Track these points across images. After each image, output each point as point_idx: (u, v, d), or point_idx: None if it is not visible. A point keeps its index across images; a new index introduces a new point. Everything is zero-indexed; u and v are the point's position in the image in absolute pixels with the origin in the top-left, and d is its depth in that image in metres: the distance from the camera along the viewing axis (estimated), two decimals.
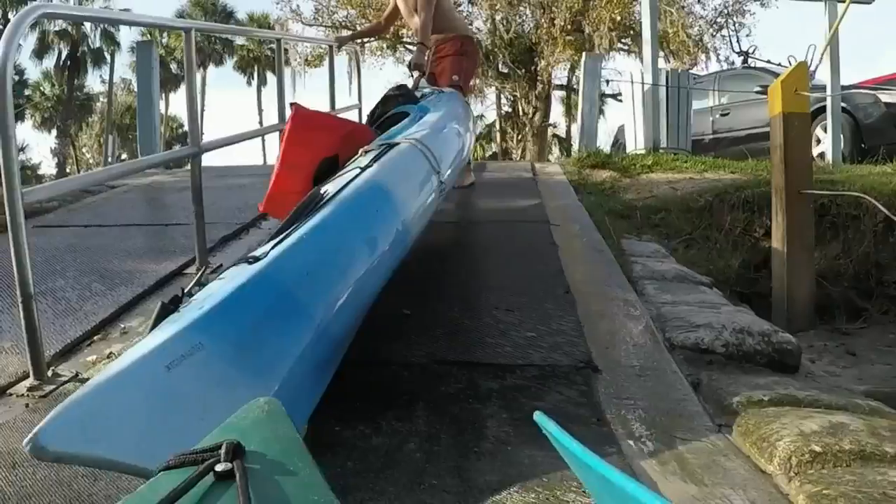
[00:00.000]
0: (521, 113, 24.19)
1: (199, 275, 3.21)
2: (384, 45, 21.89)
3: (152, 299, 4.69)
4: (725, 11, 21.26)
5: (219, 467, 0.84)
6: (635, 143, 11.01)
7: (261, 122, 43.91)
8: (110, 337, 4.13)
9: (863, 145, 10.85)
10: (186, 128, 5.44)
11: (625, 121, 11.67)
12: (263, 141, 37.47)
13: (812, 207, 6.44)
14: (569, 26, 20.95)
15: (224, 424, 0.94)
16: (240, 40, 47.82)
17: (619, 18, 20.34)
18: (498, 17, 22.24)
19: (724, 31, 21.42)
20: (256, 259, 2.33)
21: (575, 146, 11.79)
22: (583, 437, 2.86)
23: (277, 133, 6.87)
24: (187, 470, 0.85)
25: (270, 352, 2.19)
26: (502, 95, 25.19)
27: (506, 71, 23.45)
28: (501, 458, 2.76)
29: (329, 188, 2.95)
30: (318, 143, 3.94)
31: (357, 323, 2.70)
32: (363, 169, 3.03)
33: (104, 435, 1.75)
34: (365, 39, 19.42)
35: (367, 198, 2.93)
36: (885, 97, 11.24)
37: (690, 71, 14.36)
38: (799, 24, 51.38)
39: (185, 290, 2.72)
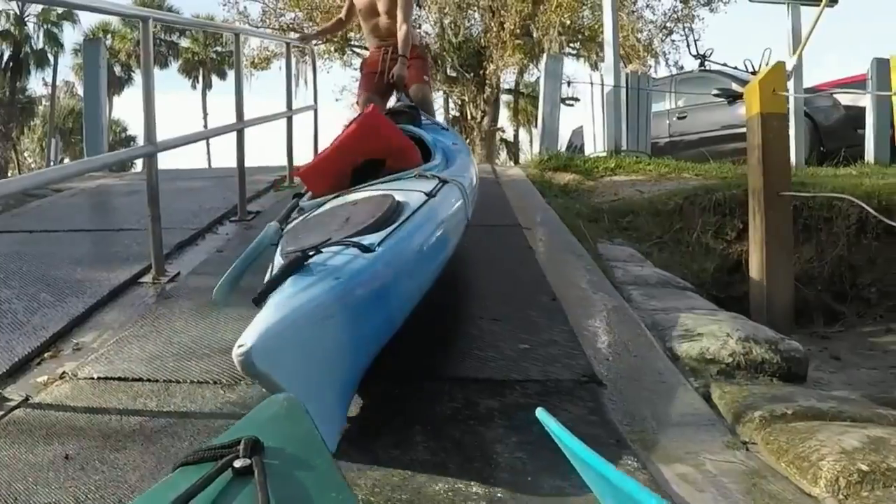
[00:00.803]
0: (469, 117, 23.98)
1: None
2: (332, 48, 21.57)
3: (107, 311, 4.39)
4: (675, 16, 21.34)
5: (237, 463, 0.82)
6: (594, 145, 10.86)
7: (205, 126, 43.14)
8: (62, 354, 3.78)
9: (822, 148, 10.82)
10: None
11: (583, 123, 11.53)
12: (208, 144, 36.84)
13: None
14: (518, 30, 20.83)
15: (242, 420, 0.94)
16: (185, 42, 47.05)
17: (568, 22, 20.27)
18: (446, 21, 22.05)
19: (674, 36, 21.55)
20: (366, 248, 2.67)
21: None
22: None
23: (235, 133, 6.55)
24: (206, 466, 0.84)
25: (371, 327, 2.67)
26: (450, 99, 24.99)
27: (454, 75, 23.25)
28: (523, 489, 2.49)
29: (402, 198, 3.32)
30: (377, 145, 4.20)
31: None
32: (428, 195, 3.43)
33: (283, 366, 2.16)
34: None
35: (441, 224, 3.45)
36: (843, 100, 11.24)
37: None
38: (748, 29, 51.93)
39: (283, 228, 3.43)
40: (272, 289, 2.41)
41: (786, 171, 6.22)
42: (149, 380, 3.37)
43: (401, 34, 6.49)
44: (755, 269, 6.17)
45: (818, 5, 8.91)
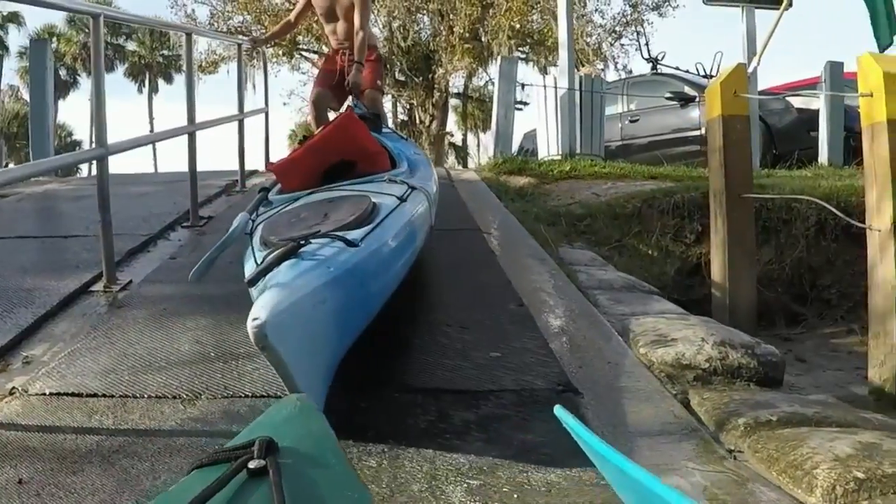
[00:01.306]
0: (417, 121, 23.89)
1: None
2: (280, 52, 21.32)
3: (57, 322, 4.21)
4: (624, 20, 21.42)
5: (252, 464, 0.82)
6: (548, 148, 10.79)
7: (151, 129, 42.47)
8: (11, 368, 3.58)
9: (774, 151, 10.86)
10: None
11: (536, 126, 11.48)
12: (154, 149, 36.28)
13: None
14: (467, 34, 20.76)
15: (256, 421, 0.94)
16: (131, 45, 46.34)
17: (517, 26, 20.24)
18: (395, 25, 21.92)
19: (623, 40, 21.62)
20: (350, 242, 2.92)
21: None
22: (598, 479, 2.53)
23: (186, 136, 6.37)
24: (221, 467, 0.84)
25: (354, 312, 2.97)
26: (398, 103, 24.86)
27: (403, 79, 23.15)
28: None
29: (377, 200, 3.53)
30: (352, 147, 4.40)
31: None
32: (400, 199, 3.65)
33: (288, 341, 2.40)
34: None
35: (411, 226, 3.73)
36: (796, 102, 11.30)
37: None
38: (699, 32, 52.47)
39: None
40: (265, 273, 2.66)
41: (747, 173, 6.19)
42: (104, 395, 3.22)
43: (357, 40, 6.52)
44: (717, 271, 6.14)
45: (774, 8, 8.96)
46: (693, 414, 3.28)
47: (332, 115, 6.67)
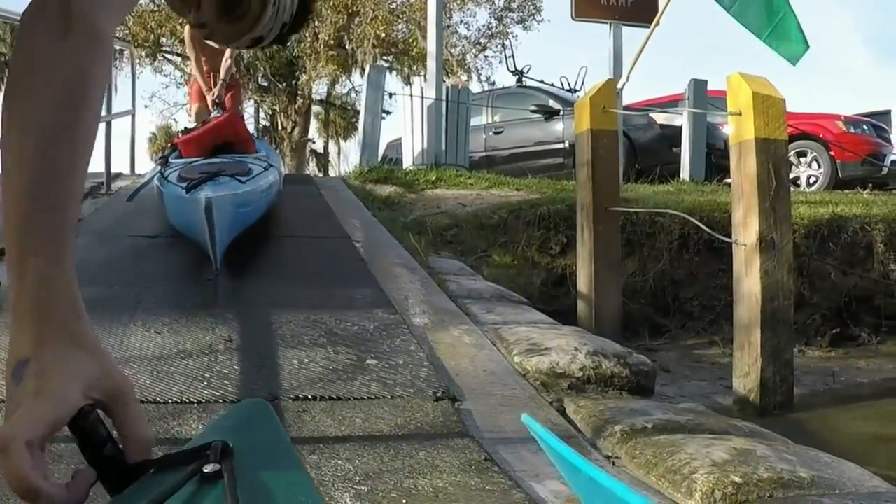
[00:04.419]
0: (279, 127, 23.62)
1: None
2: (143, 53, 20.69)
3: None
4: (489, 33, 21.68)
5: (207, 468, 0.80)
6: (413, 158, 10.79)
7: None
8: None
9: (637, 165, 11.10)
10: None
11: (401, 136, 11.47)
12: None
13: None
14: (332, 41, 20.63)
15: (211, 425, 0.94)
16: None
17: (383, 35, 20.25)
18: None
19: (487, 52, 21.88)
20: (241, 181, 5.51)
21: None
22: (483, 485, 2.52)
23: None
24: (175, 471, 0.82)
25: (242, 215, 5.31)
26: (261, 109, 24.52)
27: (266, 84, 22.85)
28: None
29: (250, 166, 6.03)
30: (233, 133, 6.90)
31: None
32: (264, 168, 6.21)
33: (218, 215, 4.80)
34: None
35: (269, 184, 6.13)
36: (659, 119, 11.61)
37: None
38: (563, 47, 53.44)
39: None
40: (195, 186, 5.12)
41: (615, 187, 6.29)
42: None
43: (224, 66, 8.18)
44: (583, 283, 6.21)
45: (642, 25, 9.18)
46: (570, 421, 3.31)
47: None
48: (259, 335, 4.12)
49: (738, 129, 4.95)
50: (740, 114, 4.90)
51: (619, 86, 7.21)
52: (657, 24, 8.09)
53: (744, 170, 4.88)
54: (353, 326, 4.21)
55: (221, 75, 8.24)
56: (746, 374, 4.83)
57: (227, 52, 7.98)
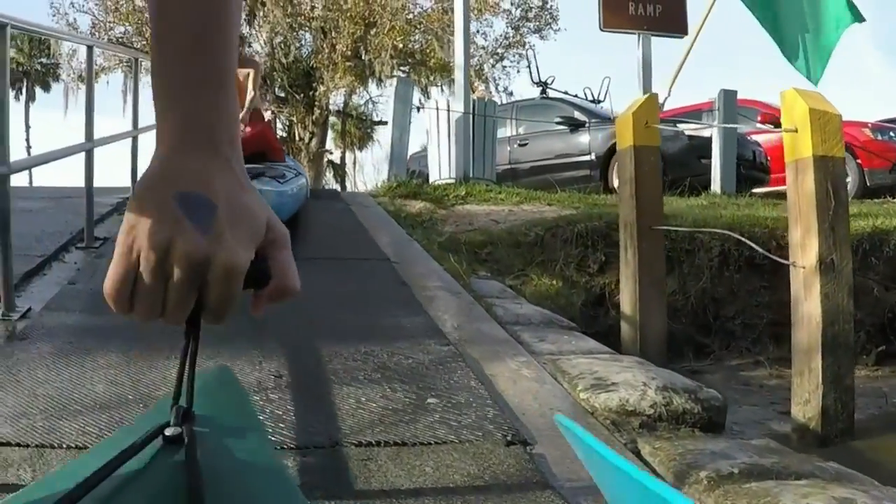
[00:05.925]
0: (297, 138, 23.53)
1: None
2: None
3: None
4: (506, 42, 21.55)
5: (168, 431, 0.81)
6: (440, 172, 10.65)
7: (28, 139, 40.64)
8: None
9: (666, 177, 10.90)
10: None
11: (427, 148, 11.36)
12: (29, 152, 34.68)
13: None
14: (349, 52, 20.54)
15: (175, 389, 0.92)
16: (10, 52, 44.36)
17: (400, 46, 20.15)
18: (277, 41, 21.53)
19: (505, 62, 21.77)
20: (279, 183, 6.66)
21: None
22: None
23: (84, 153, 5.98)
24: (137, 435, 0.83)
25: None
26: (278, 120, 24.43)
27: (283, 95, 22.77)
28: None
29: (284, 171, 7.16)
30: (265, 142, 7.75)
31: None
32: (295, 175, 7.34)
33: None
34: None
35: (299, 187, 7.24)
36: (687, 130, 11.43)
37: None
38: (581, 56, 53.29)
39: None
40: None
41: (658, 205, 6.15)
42: (18, 444, 2.89)
43: (248, 96, 8.09)
44: (627, 303, 6.08)
45: (673, 36, 9.04)
46: (646, 464, 3.17)
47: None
48: (309, 370, 3.98)
49: (794, 146, 4.78)
50: (796, 130, 4.75)
51: (661, 100, 7.04)
52: (698, 34, 7.95)
53: (801, 189, 4.71)
54: (407, 360, 4.07)
55: (246, 105, 8.06)
56: (807, 401, 4.67)
57: (250, 85, 8.04)
